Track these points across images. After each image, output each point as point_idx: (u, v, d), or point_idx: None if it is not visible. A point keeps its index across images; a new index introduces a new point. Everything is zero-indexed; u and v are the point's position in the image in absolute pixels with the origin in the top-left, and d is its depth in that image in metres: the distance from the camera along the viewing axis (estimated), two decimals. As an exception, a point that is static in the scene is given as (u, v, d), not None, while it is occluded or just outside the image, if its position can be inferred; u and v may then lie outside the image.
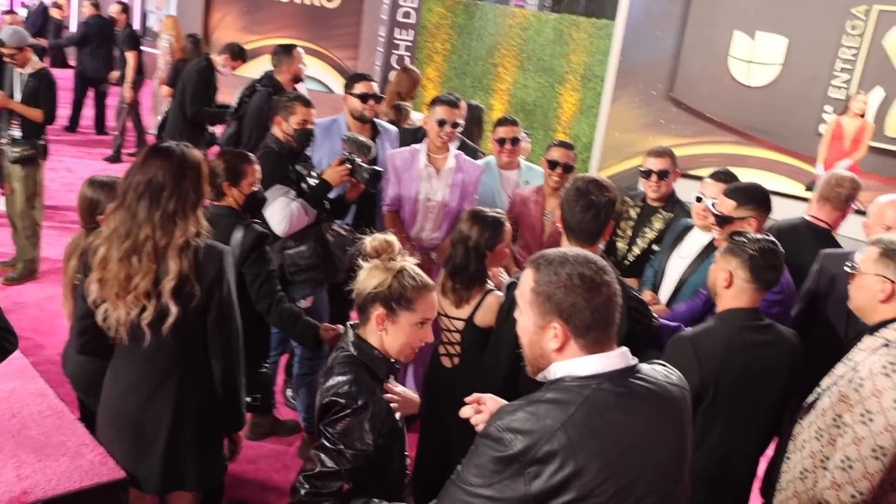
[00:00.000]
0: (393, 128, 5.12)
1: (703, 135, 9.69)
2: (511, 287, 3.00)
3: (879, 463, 2.48)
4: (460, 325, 3.49)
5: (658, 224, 4.39)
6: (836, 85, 8.82)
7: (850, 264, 2.87)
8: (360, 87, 4.77)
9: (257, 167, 3.64)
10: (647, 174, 4.43)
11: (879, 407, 2.50)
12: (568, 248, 1.96)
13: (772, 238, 3.00)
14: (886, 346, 2.61)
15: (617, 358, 1.83)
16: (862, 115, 8.19)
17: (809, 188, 8.54)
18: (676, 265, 4.05)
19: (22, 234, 6.28)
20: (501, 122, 4.97)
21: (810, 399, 2.81)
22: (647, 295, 4.02)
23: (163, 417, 2.75)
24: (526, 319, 1.90)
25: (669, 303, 4.01)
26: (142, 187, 2.59)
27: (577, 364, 1.81)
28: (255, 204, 3.68)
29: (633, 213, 4.52)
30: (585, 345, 1.82)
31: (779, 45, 9.08)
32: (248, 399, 3.37)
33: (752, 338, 2.87)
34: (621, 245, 4.50)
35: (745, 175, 8.89)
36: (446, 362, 3.59)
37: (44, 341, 5.36)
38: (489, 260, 3.50)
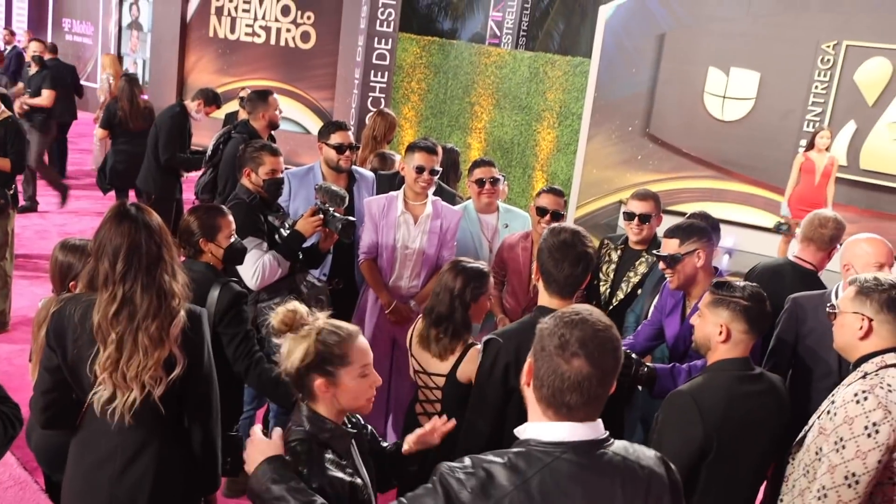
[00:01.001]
0: (369, 174, 5.06)
1: (680, 170, 9.73)
2: (489, 343, 2.92)
3: (853, 491, 2.48)
4: (440, 381, 3.39)
5: (642, 268, 4.33)
6: (809, 119, 8.89)
7: (830, 304, 2.87)
8: (336, 138, 4.71)
9: (231, 218, 3.55)
10: (629, 216, 4.37)
11: (850, 434, 2.50)
12: (593, 310, 1.89)
13: (753, 283, 2.95)
14: (864, 377, 2.61)
15: (586, 429, 1.79)
16: (827, 150, 8.29)
17: (777, 229, 8.56)
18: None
19: (-9, 286, 6.14)
20: (478, 163, 4.90)
21: (799, 436, 2.80)
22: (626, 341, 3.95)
23: (141, 490, 2.63)
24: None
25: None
26: (123, 250, 2.52)
27: (543, 429, 1.80)
28: (235, 255, 3.57)
29: (614, 255, 4.45)
30: (539, 398, 1.81)
31: (752, 80, 9.17)
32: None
33: (749, 388, 2.81)
34: (604, 289, 4.42)
35: (724, 209, 9.02)
36: (424, 421, 3.48)
37: (12, 397, 5.19)
38: (472, 311, 3.43)
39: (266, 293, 4.04)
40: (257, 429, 2.23)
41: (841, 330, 2.77)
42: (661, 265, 3.66)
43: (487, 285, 3.46)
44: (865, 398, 2.51)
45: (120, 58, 17.26)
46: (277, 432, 2.21)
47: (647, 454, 1.86)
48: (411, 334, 3.57)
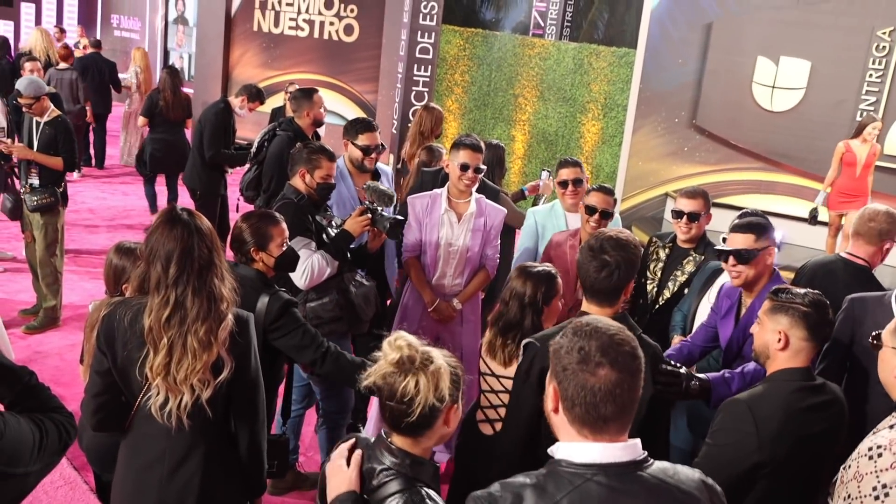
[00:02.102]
0: (387, 168, 5.08)
1: (727, 162, 9.54)
2: (528, 346, 2.88)
3: None
4: (509, 383, 3.28)
5: (689, 267, 4.25)
6: (863, 108, 8.65)
7: (875, 334, 2.63)
8: (363, 139, 4.69)
9: (284, 226, 3.50)
10: (678, 215, 4.28)
11: (858, 493, 2.33)
12: (600, 318, 1.87)
13: (815, 291, 2.82)
14: (891, 427, 2.40)
15: (620, 450, 1.75)
16: (872, 141, 8.10)
17: (812, 218, 8.38)
18: (706, 309, 3.91)
19: (42, 281, 6.25)
20: (563, 163, 4.87)
21: (843, 466, 2.65)
22: (675, 340, 3.89)
23: (189, 492, 2.65)
24: (549, 372, 1.87)
25: None
26: (173, 254, 2.53)
27: (575, 449, 1.76)
28: (287, 263, 3.53)
29: (662, 254, 4.38)
30: (572, 420, 1.76)
31: (802, 70, 8.94)
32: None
33: (809, 400, 2.68)
34: (651, 287, 4.35)
35: (773, 202, 8.84)
36: (486, 429, 3.43)
37: (64, 392, 5.28)
38: (545, 315, 3.38)
39: (315, 293, 4.04)
40: (342, 453, 2.16)
41: (882, 364, 2.56)
42: (732, 261, 3.52)
43: (557, 287, 3.42)
44: None
45: (167, 52, 17.50)
46: (355, 460, 2.14)
47: (689, 477, 1.80)
48: (481, 342, 3.54)
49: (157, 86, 9.07)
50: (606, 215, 4.31)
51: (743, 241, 3.52)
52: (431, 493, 2.12)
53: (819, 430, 2.67)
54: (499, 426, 3.37)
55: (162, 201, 9.40)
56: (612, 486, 1.70)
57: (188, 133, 8.79)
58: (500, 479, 2.51)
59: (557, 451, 1.79)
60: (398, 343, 2.15)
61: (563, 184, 4.77)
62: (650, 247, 4.45)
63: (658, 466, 1.77)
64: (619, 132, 10.47)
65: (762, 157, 9.33)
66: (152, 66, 12.98)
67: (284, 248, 3.47)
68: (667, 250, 4.38)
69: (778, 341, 2.72)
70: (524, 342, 2.93)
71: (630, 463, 1.74)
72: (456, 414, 2.15)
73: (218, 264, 2.60)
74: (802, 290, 2.80)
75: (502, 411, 3.31)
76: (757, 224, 3.56)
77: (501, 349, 3.37)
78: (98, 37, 16.23)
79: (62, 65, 10.68)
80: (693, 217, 4.23)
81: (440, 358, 2.15)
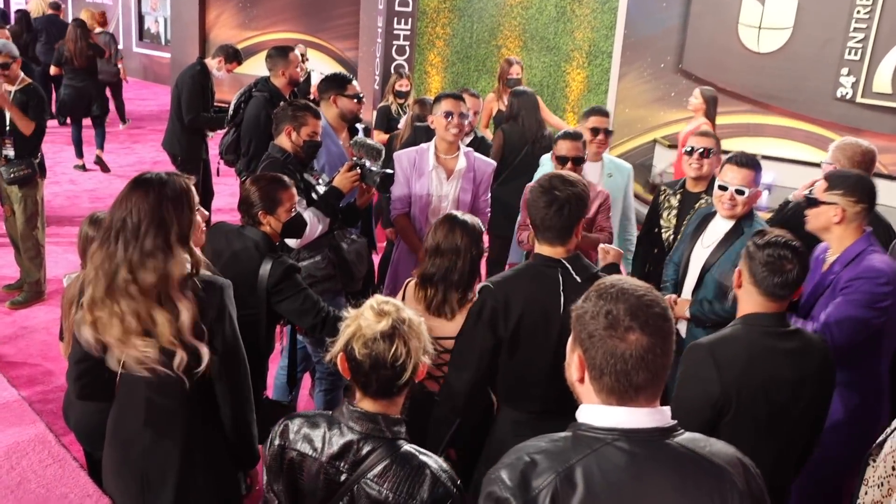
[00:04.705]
0: (360, 125, 5.06)
1: (715, 105, 9.42)
2: (481, 290, 2.85)
3: None
4: (449, 343, 3.16)
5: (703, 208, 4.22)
6: (851, 46, 8.53)
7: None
8: (353, 89, 4.67)
9: (294, 191, 3.48)
10: (690, 151, 4.29)
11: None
12: (624, 278, 1.74)
13: (789, 241, 2.71)
14: None
15: (646, 415, 1.63)
16: None
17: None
18: (700, 254, 3.87)
19: (25, 255, 6.14)
20: (594, 111, 4.88)
21: (880, 438, 2.58)
22: (669, 299, 3.82)
23: (170, 463, 2.58)
24: (570, 339, 1.75)
25: (694, 293, 3.81)
26: (118, 224, 2.41)
27: (597, 412, 1.64)
28: (295, 229, 3.53)
29: (673, 201, 4.36)
30: (600, 389, 1.64)
31: (789, 9, 8.80)
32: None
33: (775, 344, 2.62)
34: (667, 235, 4.34)
35: (763, 144, 8.77)
36: (431, 386, 3.34)
37: (53, 367, 5.22)
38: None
39: (307, 251, 4.00)
40: None
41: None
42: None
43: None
44: None
45: (141, 17, 17.16)
46: None
47: (723, 451, 1.66)
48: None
49: (66, 37, 9.90)
50: (578, 161, 4.33)
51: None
52: (416, 448, 2.10)
53: (787, 376, 2.60)
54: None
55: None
56: (635, 452, 1.58)
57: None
58: (441, 422, 2.50)
59: (580, 414, 1.68)
60: (385, 308, 2.08)
61: (595, 130, 4.76)
62: (660, 196, 4.44)
63: (689, 436, 1.65)
64: (604, 80, 10.33)
65: (750, 100, 9.22)
66: (127, 29, 12.95)
67: (293, 214, 3.44)
68: (678, 196, 4.36)
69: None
70: (481, 286, 2.91)
71: (656, 430, 1.62)
72: (425, 365, 2.12)
73: (175, 224, 2.45)
74: (775, 237, 2.75)
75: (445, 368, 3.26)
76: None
77: (448, 304, 3.31)
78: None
79: (98, 29, 11.12)
80: (705, 153, 4.26)
81: (407, 310, 2.12)
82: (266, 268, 3.30)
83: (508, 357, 2.86)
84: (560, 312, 2.76)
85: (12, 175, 5.89)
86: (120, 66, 11.67)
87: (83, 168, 10.16)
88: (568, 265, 2.82)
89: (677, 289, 3.93)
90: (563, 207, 2.77)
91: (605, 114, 4.87)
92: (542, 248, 2.86)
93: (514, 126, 5.84)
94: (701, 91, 7.43)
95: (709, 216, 3.92)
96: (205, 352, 2.42)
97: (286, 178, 3.52)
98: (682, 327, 3.83)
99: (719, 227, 3.81)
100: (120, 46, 12.14)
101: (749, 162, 3.72)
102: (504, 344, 2.83)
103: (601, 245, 3.44)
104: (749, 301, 2.71)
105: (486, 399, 3.19)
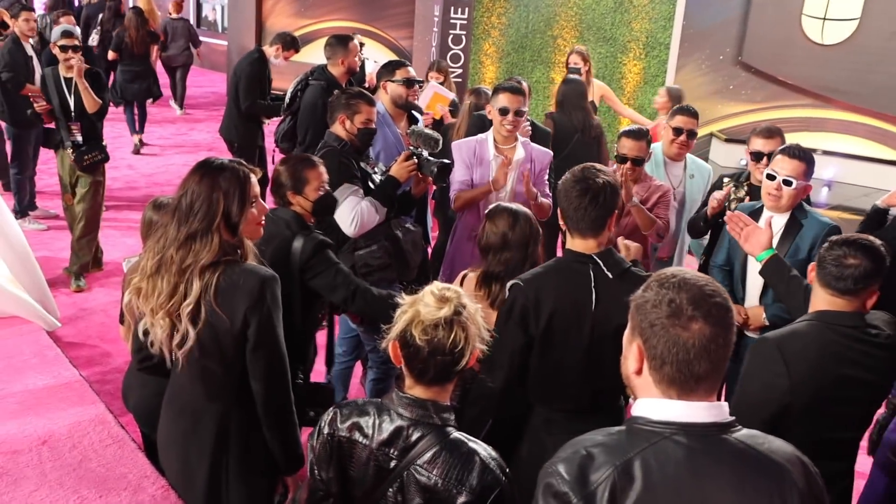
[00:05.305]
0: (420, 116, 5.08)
1: (775, 99, 9.23)
2: (511, 287, 2.81)
3: None
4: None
5: None
6: (920, 39, 8.28)
7: None
8: (402, 73, 4.69)
9: (322, 170, 3.47)
10: (757, 157, 4.15)
11: None
12: (685, 269, 1.71)
13: (858, 239, 2.65)
14: None
15: (704, 410, 1.60)
16: None
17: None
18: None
19: (85, 239, 6.23)
20: (682, 111, 4.75)
21: None
22: (738, 316, 3.67)
23: (205, 450, 2.59)
24: (627, 330, 1.72)
25: (761, 300, 3.68)
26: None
27: (655, 406, 1.62)
28: (325, 208, 3.52)
29: (741, 192, 4.26)
30: (660, 380, 1.61)
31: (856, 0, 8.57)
32: (312, 414, 3.24)
33: (846, 342, 2.56)
34: None
35: (824, 139, 8.57)
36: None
37: (111, 349, 5.32)
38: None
39: (363, 240, 4.00)
40: None
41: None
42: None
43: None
44: None
45: (199, 4, 17.38)
46: None
47: (782, 448, 1.63)
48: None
49: (125, 24, 10.37)
50: (639, 162, 4.26)
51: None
52: (465, 435, 2.10)
53: (859, 376, 2.55)
54: None
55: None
56: (693, 446, 1.56)
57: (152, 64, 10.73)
58: (474, 422, 2.47)
59: (637, 408, 1.66)
60: (446, 294, 2.08)
61: (678, 130, 4.66)
62: (724, 187, 4.31)
63: (747, 433, 1.62)
64: (661, 71, 10.17)
65: (812, 94, 9.01)
66: (186, 15, 13.32)
67: (321, 192, 3.42)
68: (745, 188, 4.25)
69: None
70: (510, 283, 2.85)
71: (714, 425, 1.60)
72: (477, 350, 2.11)
73: (222, 211, 2.47)
74: (847, 238, 2.70)
75: None
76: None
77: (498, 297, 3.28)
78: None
79: (174, 14, 11.99)
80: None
81: (465, 296, 2.12)
82: (297, 245, 3.30)
83: (540, 355, 2.82)
84: (592, 309, 2.71)
85: (87, 161, 5.99)
86: (196, 52, 12.38)
87: (141, 144, 10.56)
88: (599, 261, 2.74)
89: (735, 297, 3.78)
90: (598, 196, 2.69)
91: (692, 114, 4.72)
92: (574, 243, 2.79)
93: (562, 114, 5.83)
94: (667, 89, 7.31)
95: (756, 212, 3.75)
96: (190, 335, 2.41)
97: (314, 158, 3.53)
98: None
99: (773, 224, 3.63)
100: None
101: (801, 154, 3.61)
102: (536, 342, 2.78)
103: (621, 240, 3.36)
104: (817, 299, 2.66)
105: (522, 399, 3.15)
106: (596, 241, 2.75)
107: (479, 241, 3.43)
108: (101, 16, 11.58)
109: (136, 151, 10.42)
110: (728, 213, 3.57)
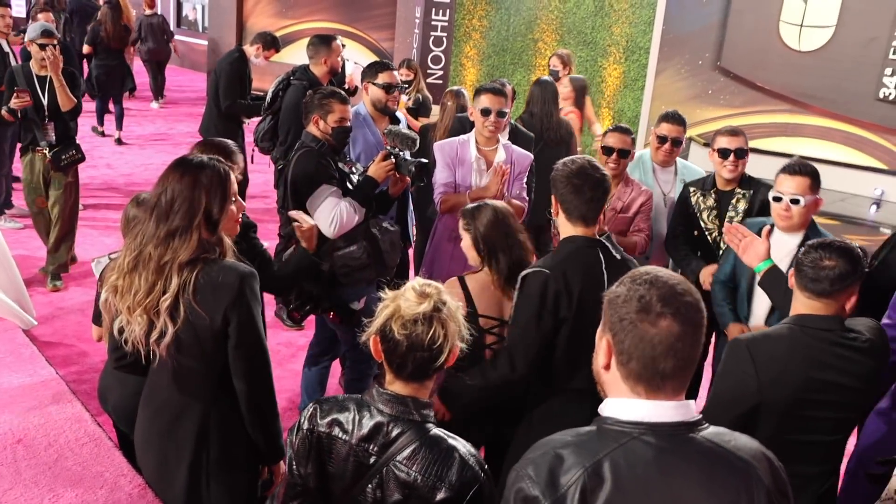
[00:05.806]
0: (402, 116, 5.04)
1: (753, 104, 9.33)
2: (530, 276, 2.86)
3: None
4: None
5: (742, 205, 4.19)
6: None
7: None
8: (383, 77, 4.67)
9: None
10: (724, 153, 4.18)
11: None
12: (659, 268, 1.72)
13: (835, 242, 2.67)
14: None
15: (672, 409, 1.61)
16: None
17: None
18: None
19: (62, 240, 6.17)
20: (667, 117, 4.63)
21: None
22: (734, 329, 3.68)
23: (184, 449, 2.58)
24: (600, 325, 1.74)
25: (767, 320, 3.63)
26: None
27: (623, 406, 1.63)
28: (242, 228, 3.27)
29: (710, 201, 4.27)
30: (627, 376, 1.63)
31: (832, 7, 8.67)
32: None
33: (821, 346, 2.58)
34: (714, 236, 4.25)
35: (801, 145, 8.64)
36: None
37: (87, 348, 5.28)
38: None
39: (342, 241, 3.98)
40: None
41: None
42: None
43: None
44: None
45: (179, 3, 17.29)
46: None
47: (748, 445, 1.65)
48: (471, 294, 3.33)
49: (99, 18, 10.42)
50: (624, 154, 4.34)
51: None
52: (444, 432, 2.12)
53: (832, 380, 2.57)
54: None
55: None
56: (661, 446, 1.56)
57: (127, 58, 10.98)
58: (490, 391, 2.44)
59: (605, 408, 1.67)
60: (426, 290, 2.09)
61: (662, 139, 4.60)
62: (690, 196, 4.33)
63: (713, 430, 1.64)
64: (641, 76, 10.25)
65: (789, 99, 9.12)
66: (165, 12, 13.44)
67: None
68: (713, 196, 4.27)
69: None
70: (526, 272, 2.91)
71: (682, 424, 1.60)
72: (457, 348, 2.13)
73: (204, 209, 2.46)
74: (823, 241, 2.74)
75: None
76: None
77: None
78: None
79: (148, 11, 12.08)
80: (741, 153, 4.17)
81: (445, 293, 2.13)
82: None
83: (567, 337, 2.88)
84: (605, 288, 2.74)
85: (64, 161, 5.92)
86: (172, 45, 12.50)
87: (101, 134, 10.86)
88: (606, 243, 2.91)
89: (739, 316, 3.79)
90: (599, 186, 2.87)
91: (677, 121, 4.59)
92: (577, 230, 2.91)
93: (529, 117, 5.87)
94: (570, 79, 7.44)
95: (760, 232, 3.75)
96: (168, 331, 2.40)
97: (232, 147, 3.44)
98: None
99: (782, 244, 3.55)
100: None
101: (802, 169, 3.52)
102: (566, 324, 2.85)
103: None
104: (796, 302, 2.69)
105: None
106: (596, 228, 2.92)
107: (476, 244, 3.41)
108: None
109: (100, 134, 10.76)
110: (726, 224, 3.60)
